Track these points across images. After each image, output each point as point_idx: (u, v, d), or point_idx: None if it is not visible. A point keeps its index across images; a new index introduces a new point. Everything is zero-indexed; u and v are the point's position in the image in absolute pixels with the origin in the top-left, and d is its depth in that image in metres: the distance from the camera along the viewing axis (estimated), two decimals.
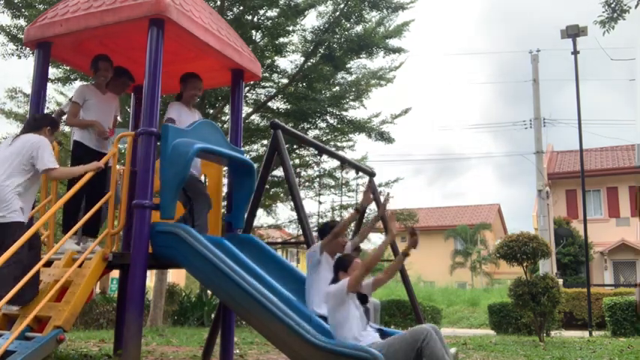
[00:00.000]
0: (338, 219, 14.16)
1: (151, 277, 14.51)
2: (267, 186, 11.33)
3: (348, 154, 13.80)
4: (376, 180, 9.21)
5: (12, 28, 10.98)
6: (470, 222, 35.25)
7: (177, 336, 8.89)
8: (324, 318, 3.85)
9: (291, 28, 12.03)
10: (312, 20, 23.83)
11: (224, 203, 6.27)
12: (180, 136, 4.31)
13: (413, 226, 4.05)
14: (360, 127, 13.48)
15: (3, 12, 10.78)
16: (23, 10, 10.79)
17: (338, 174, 13.97)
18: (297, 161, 14.21)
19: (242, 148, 5.40)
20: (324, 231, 4.51)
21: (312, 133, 13.47)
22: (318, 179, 14.88)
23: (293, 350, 3.70)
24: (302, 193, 14.27)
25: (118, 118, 5.26)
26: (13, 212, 3.74)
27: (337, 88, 13.18)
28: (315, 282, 4.24)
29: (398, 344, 3.56)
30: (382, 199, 4.53)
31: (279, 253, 14.68)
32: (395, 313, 14.39)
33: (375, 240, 33.67)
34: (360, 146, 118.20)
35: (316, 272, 4.26)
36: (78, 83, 11.87)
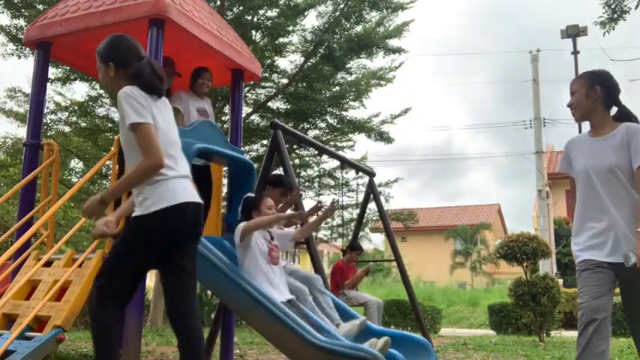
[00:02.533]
0: (338, 219, 14.18)
1: (150, 277, 14.52)
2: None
3: (348, 154, 13.81)
4: (376, 180, 9.22)
5: (12, 28, 10.98)
6: (470, 222, 35.27)
7: None
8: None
9: (291, 28, 12.03)
10: (312, 20, 23.85)
11: (224, 203, 6.27)
12: (180, 136, 4.30)
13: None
14: (359, 127, 13.48)
15: (3, 12, 10.78)
16: (23, 10, 10.79)
17: (338, 174, 13.98)
18: (297, 161, 14.21)
19: (242, 148, 5.40)
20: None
21: (312, 133, 13.47)
22: (318, 179, 14.88)
23: (293, 350, 3.70)
24: (302, 193, 14.26)
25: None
26: None
27: (337, 88, 13.17)
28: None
29: None
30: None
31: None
32: (395, 313, 14.39)
33: (375, 240, 33.58)
34: (359, 146, 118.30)
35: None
36: (78, 83, 11.89)
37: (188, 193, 2.76)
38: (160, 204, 2.64)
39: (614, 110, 3.14)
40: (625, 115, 3.10)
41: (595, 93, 3.07)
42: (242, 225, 4.03)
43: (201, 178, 4.86)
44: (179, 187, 2.73)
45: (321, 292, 4.23)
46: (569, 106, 3.19)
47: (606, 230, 3.01)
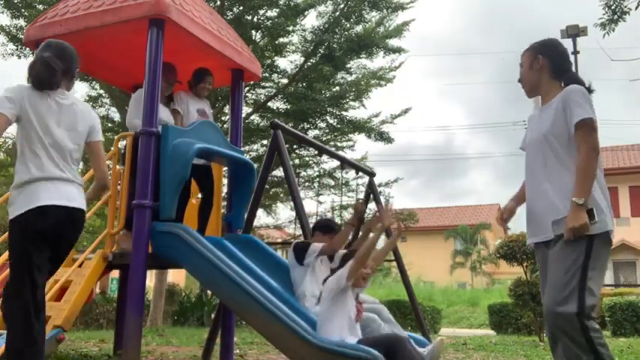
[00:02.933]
0: (338, 219, 14.18)
1: (150, 277, 14.53)
2: (267, 186, 11.35)
3: (348, 154, 13.81)
4: (376, 180, 9.22)
5: (12, 28, 10.99)
6: (470, 222, 35.25)
7: (177, 336, 8.90)
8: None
9: (291, 28, 12.04)
10: (312, 20, 23.88)
11: (224, 203, 6.27)
12: (181, 136, 4.32)
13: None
14: (359, 127, 13.49)
15: (3, 12, 10.79)
16: (23, 10, 10.80)
17: (338, 174, 13.98)
18: (297, 161, 14.22)
19: (242, 148, 5.40)
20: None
21: (312, 133, 13.47)
22: (318, 179, 14.89)
23: (293, 350, 3.69)
24: (302, 193, 14.27)
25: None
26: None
27: (337, 88, 13.18)
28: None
29: None
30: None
31: (279, 253, 14.69)
32: (395, 313, 14.39)
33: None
34: (359, 146, 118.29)
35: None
36: (78, 83, 11.89)
37: (55, 195, 2.74)
38: (20, 208, 2.70)
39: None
40: (573, 82, 2.81)
41: (538, 63, 2.86)
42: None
43: (202, 177, 4.86)
44: (44, 188, 2.73)
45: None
46: (519, 81, 2.98)
47: (535, 206, 2.76)
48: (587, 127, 2.60)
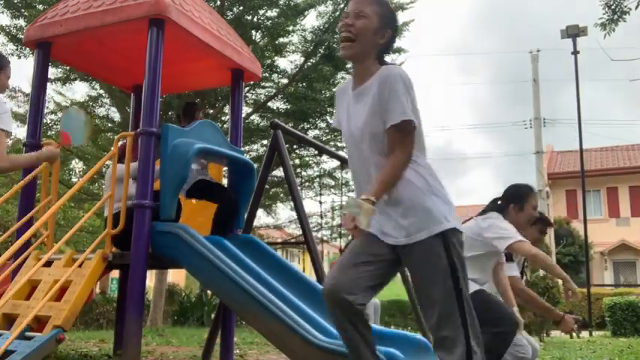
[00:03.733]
0: (338, 219, 14.19)
1: (150, 277, 14.54)
2: (267, 186, 11.35)
3: None
4: None
5: (12, 28, 10.99)
6: None
7: (177, 336, 8.89)
8: None
9: (291, 28, 12.05)
10: (312, 20, 23.86)
11: None
12: (180, 136, 4.32)
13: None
14: None
15: (3, 12, 10.79)
16: (23, 10, 10.80)
17: (338, 174, 13.98)
18: (297, 161, 14.22)
19: (242, 148, 5.40)
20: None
21: (312, 133, 13.47)
22: (318, 179, 14.89)
23: (293, 350, 3.70)
24: (302, 193, 14.27)
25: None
26: None
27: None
28: None
29: None
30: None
31: (279, 253, 14.68)
32: (395, 313, 14.41)
33: None
34: None
35: None
36: (78, 83, 11.91)
37: None
38: None
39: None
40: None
41: (384, 36, 2.30)
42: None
43: (214, 193, 4.84)
44: None
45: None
46: (347, 26, 2.29)
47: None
48: (405, 129, 2.18)
